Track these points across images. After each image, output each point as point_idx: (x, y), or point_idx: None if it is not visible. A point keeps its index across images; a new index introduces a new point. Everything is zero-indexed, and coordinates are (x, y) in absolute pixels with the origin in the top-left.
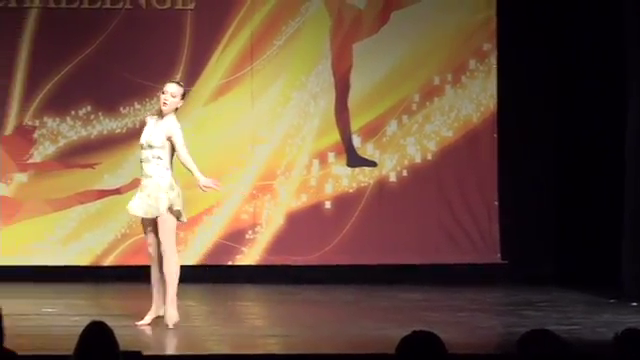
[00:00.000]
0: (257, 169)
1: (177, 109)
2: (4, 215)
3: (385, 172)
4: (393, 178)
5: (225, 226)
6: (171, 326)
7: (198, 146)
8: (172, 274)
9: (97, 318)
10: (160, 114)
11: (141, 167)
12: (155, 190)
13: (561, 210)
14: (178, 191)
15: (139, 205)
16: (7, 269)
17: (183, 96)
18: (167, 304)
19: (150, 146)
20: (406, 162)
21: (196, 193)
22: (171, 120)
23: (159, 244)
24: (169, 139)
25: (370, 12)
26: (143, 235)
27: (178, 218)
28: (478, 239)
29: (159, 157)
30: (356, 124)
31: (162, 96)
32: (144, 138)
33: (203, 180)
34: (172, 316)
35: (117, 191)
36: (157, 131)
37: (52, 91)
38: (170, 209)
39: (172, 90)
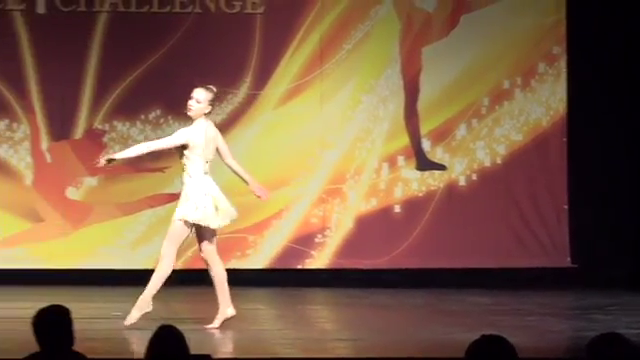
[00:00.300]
0: (326, 173)
1: (207, 114)
2: (74, 219)
3: (454, 176)
4: (462, 182)
5: (294, 230)
6: (126, 324)
7: (267, 150)
8: (155, 277)
9: (166, 322)
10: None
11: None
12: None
13: (631, 213)
14: (196, 203)
15: None
16: (77, 273)
17: (213, 101)
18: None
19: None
20: (475, 166)
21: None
22: (191, 127)
23: (204, 249)
24: (184, 146)
25: (439, 15)
26: None
27: (202, 226)
28: (548, 243)
29: (184, 164)
30: (425, 128)
31: (189, 101)
32: None
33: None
34: (131, 317)
35: None
36: None
37: (122, 95)
38: (183, 220)
39: (197, 96)
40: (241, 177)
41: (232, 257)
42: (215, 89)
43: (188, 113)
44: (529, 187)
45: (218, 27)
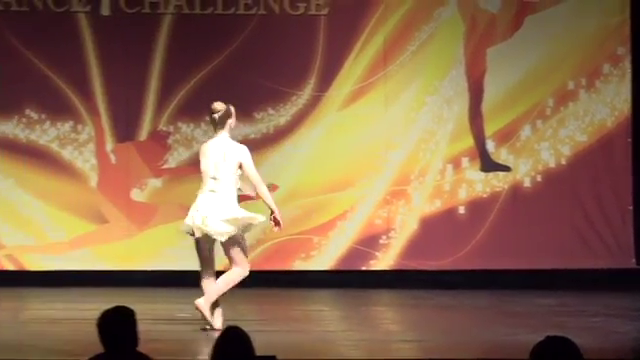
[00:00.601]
0: (391, 174)
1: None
2: (139, 220)
3: (519, 177)
4: (527, 183)
5: (359, 231)
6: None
7: (331, 152)
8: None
9: (232, 323)
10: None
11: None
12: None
13: None
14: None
15: None
16: (142, 274)
17: (229, 115)
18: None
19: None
20: (540, 167)
21: (330, 198)
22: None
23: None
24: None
25: (504, 17)
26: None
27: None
28: (613, 243)
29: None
30: (490, 129)
31: (209, 118)
32: None
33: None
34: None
35: (251, 197)
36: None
37: (186, 96)
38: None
39: (217, 111)
40: None
41: (297, 258)
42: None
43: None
44: (594, 188)
45: (282, 28)
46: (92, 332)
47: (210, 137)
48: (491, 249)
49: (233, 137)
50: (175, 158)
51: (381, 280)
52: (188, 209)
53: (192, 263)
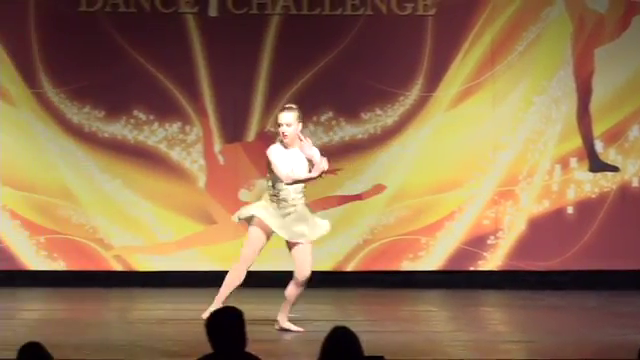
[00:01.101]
0: (499, 174)
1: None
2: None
3: (628, 177)
4: (636, 183)
5: (467, 232)
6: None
7: (439, 152)
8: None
9: (340, 323)
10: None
11: (290, 192)
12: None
13: None
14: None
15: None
16: (250, 275)
17: (300, 118)
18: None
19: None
20: None
21: (438, 198)
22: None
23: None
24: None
25: (611, 17)
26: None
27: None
28: None
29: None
30: (598, 129)
31: (279, 129)
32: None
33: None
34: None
35: (358, 197)
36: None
37: (293, 97)
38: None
39: (287, 120)
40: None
41: (404, 259)
42: (294, 106)
43: (285, 140)
44: None
45: (389, 29)
46: (200, 332)
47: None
48: (599, 249)
49: (340, 137)
50: None
51: (489, 280)
52: None
53: None
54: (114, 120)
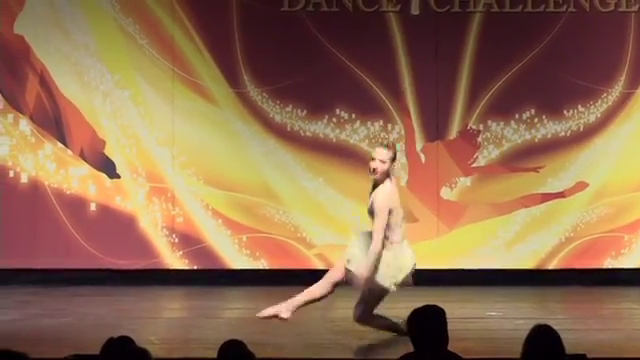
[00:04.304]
0: None
1: (388, 174)
2: (449, 219)
3: None
4: None
5: None
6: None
7: None
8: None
9: (542, 321)
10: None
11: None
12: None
13: None
14: (384, 265)
15: None
16: (452, 273)
17: (394, 158)
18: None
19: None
20: None
21: (635, 197)
22: (380, 189)
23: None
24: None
25: None
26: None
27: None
28: None
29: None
30: None
31: (370, 163)
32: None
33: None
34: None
35: (561, 194)
36: (371, 199)
37: (496, 94)
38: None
39: (381, 156)
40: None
41: (607, 256)
42: (395, 144)
43: (374, 176)
44: None
45: (592, 26)
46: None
47: None
48: None
49: (543, 135)
50: (485, 156)
51: None
52: (498, 208)
53: (502, 262)
54: (316, 119)
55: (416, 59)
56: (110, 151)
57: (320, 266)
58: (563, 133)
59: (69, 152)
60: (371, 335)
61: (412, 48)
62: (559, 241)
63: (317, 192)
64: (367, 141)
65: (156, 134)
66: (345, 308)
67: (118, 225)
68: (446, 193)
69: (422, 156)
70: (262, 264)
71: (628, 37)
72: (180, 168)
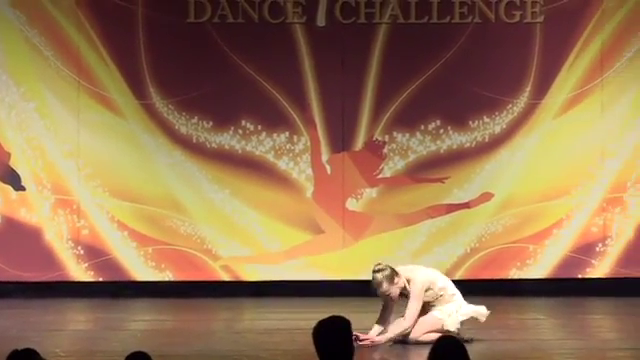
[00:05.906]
0: (607, 182)
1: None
2: (354, 231)
3: None
4: None
5: (575, 239)
6: None
7: (547, 159)
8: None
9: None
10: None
11: None
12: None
13: None
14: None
15: None
16: (358, 284)
17: (394, 277)
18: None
19: None
20: None
21: (546, 206)
22: (412, 288)
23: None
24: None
25: None
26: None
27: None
28: None
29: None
30: None
31: (383, 297)
32: None
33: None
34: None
35: (466, 205)
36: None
37: (402, 105)
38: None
39: (383, 289)
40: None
41: (512, 267)
42: (388, 267)
43: (395, 301)
44: None
45: (498, 36)
46: (308, 342)
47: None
48: None
49: (448, 146)
50: (391, 167)
51: (597, 288)
52: (404, 219)
53: None
54: (222, 130)
55: (322, 70)
56: (15, 163)
57: (226, 278)
58: (468, 144)
59: None
60: (280, 347)
61: (318, 59)
62: (464, 251)
63: (223, 204)
64: (273, 152)
65: (62, 146)
66: (251, 320)
67: (23, 237)
68: (352, 204)
69: (328, 167)
70: (168, 276)
71: (534, 48)
72: (86, 180)
